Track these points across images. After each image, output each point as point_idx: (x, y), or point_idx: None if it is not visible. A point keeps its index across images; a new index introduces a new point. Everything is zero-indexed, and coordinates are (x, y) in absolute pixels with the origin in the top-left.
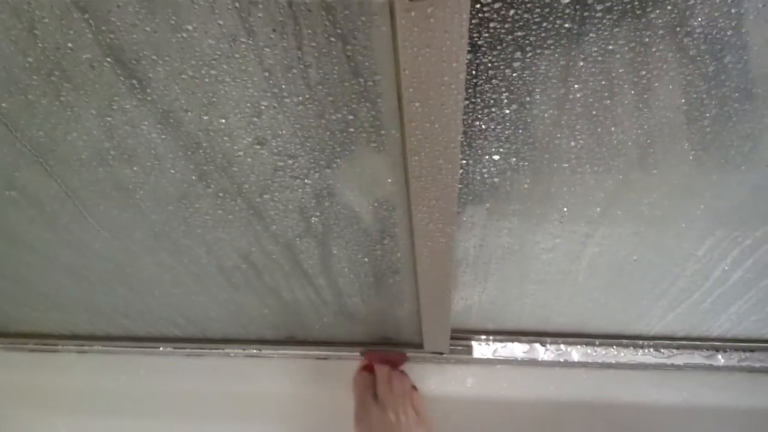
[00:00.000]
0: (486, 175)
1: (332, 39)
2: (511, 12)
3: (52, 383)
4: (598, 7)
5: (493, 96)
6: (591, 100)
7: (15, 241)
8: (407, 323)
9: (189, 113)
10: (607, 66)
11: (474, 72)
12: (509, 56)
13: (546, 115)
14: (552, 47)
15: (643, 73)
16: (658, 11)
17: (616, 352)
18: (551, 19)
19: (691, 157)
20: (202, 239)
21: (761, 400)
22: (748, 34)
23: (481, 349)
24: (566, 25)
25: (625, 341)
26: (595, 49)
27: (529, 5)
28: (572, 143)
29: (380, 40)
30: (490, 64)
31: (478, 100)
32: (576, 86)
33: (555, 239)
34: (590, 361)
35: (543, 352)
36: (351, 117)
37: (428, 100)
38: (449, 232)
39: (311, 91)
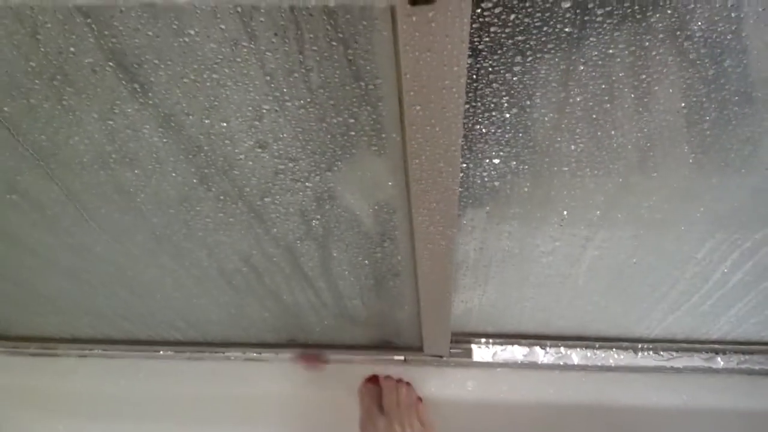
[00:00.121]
0: (486, 179)
1: (334, 43)
2: (512, 16)
3: (52, 387)
4: (599, 12)
5: (494, 100)
6: (591, 103)
7: (16, 245)
8: (407, 326)
9: (190, 117)
10: (608, 70)
11: (474, 76)
12: (510, 60)
13: (546, 118)
14: (552, 51)
15: (643, 76)
16: (658, 15)
17: (615, 355)
18: (552, 23)
19: (690, 161)
20: (203, 242)
21: (760, 402)
22: (748, 37)
23: (481, 352)
24: (567, 30)
25: (624, 344)
26: (596, 53)
27: (529, 9)
28: (572, 147)
29: (381, 45)
30: (490, 68)
31: (479, 103)
32: (576, 90)
33: (555, 242)
34: (590, 364)
35: (543, 355)
36: (352, 120)
37: (429, 103)
38: (450, 235)
39: (312, 95)
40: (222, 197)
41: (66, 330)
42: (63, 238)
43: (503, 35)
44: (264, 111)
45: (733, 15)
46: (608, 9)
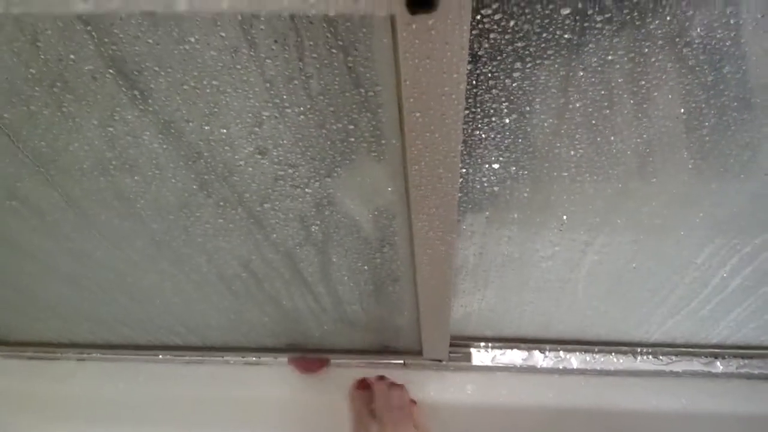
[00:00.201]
0: (486, 184)
1: (334, 50)
2: (512, 23)
3: (51, 391)
4: (598, 18)
5: (493, 106)
6: (590, 109)
7: (16, 251)
8: (407, 330)
9: (190, 123)
10: (607, 76)
11: (474, 82)
12: (509, 66)
13: (546, 124)
14: (552, 57)
15: (643, 83)
16: (657, 22)
17: (615, 359)
18: (551, 29)
19: (690, 166)
20: (202, 248)
21: (759, 406)
22: (747, 44)
23: (481, 356)
24: (566, 36)
25: (624, 348)
26: (595, 59)
27: (529, 16)
28: (572, 152)
29: (381, 52)
30: (490, 75)
31: (478, 109)
32: (576, 96)
33: (554, 247)
34: (589, 368)
35: (542, 359)
36: (352, 127)
37: (429, 110)
38: (449, 240)
39: (312, 102)
40: (222, 203)
41: (65, 335)
42: (63, 244)
43: (503, 41)
44: (264, 117)
45: (732, 22)
46: (607, 15)
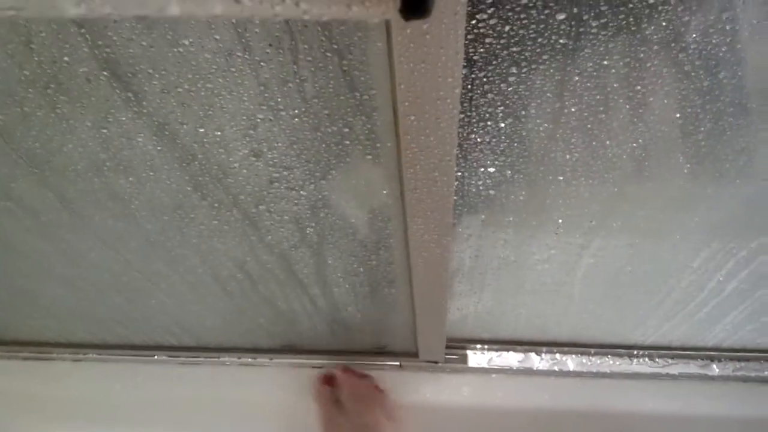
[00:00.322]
0: (481, 187)
1: (328, 54)
2: (507, 28)
3: (47, 391)
4: (593, 23)
5: (489, 110)
6: (586, 114)
7: (10, 251)
8: (402, 332)
9: (185, 126)
10: (602, 81)
11: (470, 86)
12: (505, 71)
13: (541, 128)
14: (547, 62)
15: (638, 87)
16: (653, 27)
17: (611, 362)
18: (546, 34)
19: (685, 171)
20: (197, 249)
21: (756, 409)
22: (743, 50)
23: (477, 358)
24: (561, 41)
25: (620, 351)
26: (590, 64)
27: (524, 21)
28: (567, 156)
29: (376, 56)
30: (485, 79)
31: (474, 113)
32: (571, 100)
33: (550, 250)
34: (585, 370)
35: (538, 361)
36: (347, 130)
37: (424, 114)
38: (444, 243)
39: (307, 105)
40: (216, 205)
41: (60, 335)
42: (57, 244)
43: (498, 46)
44: (258, 120)
45: (728, 27)
46: (603, 21)
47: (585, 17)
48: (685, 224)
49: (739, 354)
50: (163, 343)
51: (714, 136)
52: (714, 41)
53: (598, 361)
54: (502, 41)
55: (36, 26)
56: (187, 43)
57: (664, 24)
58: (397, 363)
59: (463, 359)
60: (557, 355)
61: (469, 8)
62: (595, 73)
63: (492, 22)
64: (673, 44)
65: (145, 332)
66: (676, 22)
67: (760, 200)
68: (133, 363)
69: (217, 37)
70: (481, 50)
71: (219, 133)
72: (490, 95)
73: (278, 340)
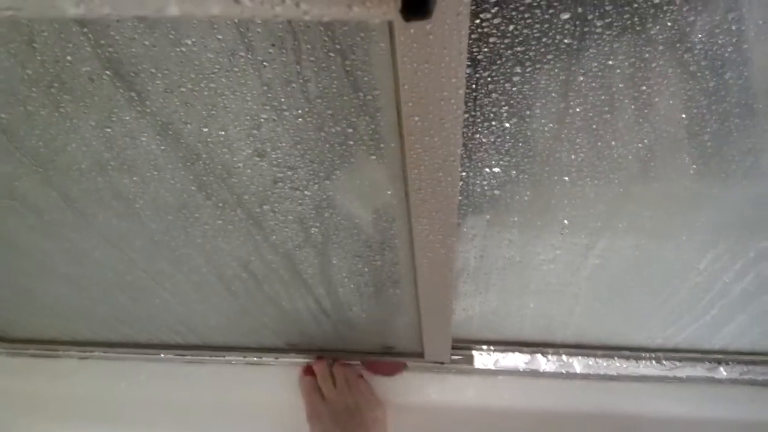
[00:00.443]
0: (486, 187)
1: (331, 54)
2: (511, 27)
3: (52, 389)
4: (598, 23)
5: (493, 110)
6: (591, 114)
7: (15, 249)
8: (408, 332)
9: (188, 125)
10: (607, 81)
11: (474, 86)
12: (509, 71)
13: (546, 128)
14: (552, 62)
15: (644, 88)
16: (658, 27)
17: (618, 364)
18: (551, 34)
19: (691, 171)
20: (201, 248)
21: (763, 413)
22: (749, 50)
23: (482, 359)
24: (566, 41)
25: (627, 353)
26: (595, 64)
27: (528, 20)
28: (572, 156)
29: (379, 56)
30: (489, 79)
31: (478, 113)
32: (576, 101)
33: (556, 251)
34: (592, 372)
35: (544, 363)
36: (350, 130)
37: (427, 114)
38: (449, 244)
39: (310, 105)
40: (221, 204)
41: (66, 333)
42: (61, 243)
43: (502, 46)
44: (262, 120)
45: (733, 28)
46: (608, 20)
47: (590, 17)
48: (692, 225)
49: (746, 357)
50: (168, 342)
51: (720, 137)
52: (720, 41)
53: (605, 364)
54: (506, 41)
55: (38, 26)
56: (189, 42)
57: (669, 24)
58: (403, 364)
59: (469, 360)
60: (564, 357)
61: (473, 7)
62: (600, 73)
63: (496, 21)
64: (678, 44)
65: (149, 331)
66: (682, 22)
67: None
68: (139, 361)
69: (220, 36)
70: (486, 50)
71: (223, 132)
72: (494, 95)
73: (283, 339)
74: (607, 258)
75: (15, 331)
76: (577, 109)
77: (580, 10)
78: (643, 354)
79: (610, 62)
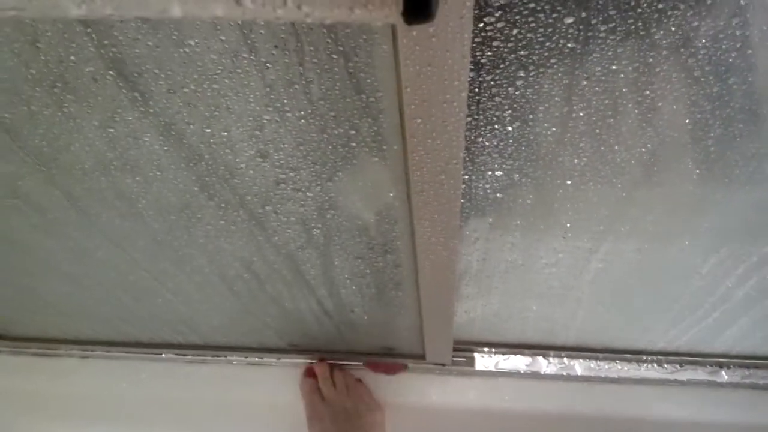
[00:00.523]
0: (489, 190)
1: (334, 56)
2: (515, 31)
3: (53, 388)
4: (602, 28)
5: (496, 113)
6: (594, 118)
7: (18, 248)
8: (409, 334)
9: (191, 126)
10: (611, 85)
11: (477, 89)
12: (512, 75)
13: (549, 132)
14: (555, 66)
15: (647, 92)
16: (662, 32)
17: (619, 367)
18: (554, 38)
19: (695, 176)
20: (204, 249)
21: (764, 416)
22: (753, 55)
23: (484, 361)
24: (569, 45)
25: (628, 356)
26: (599, 68)
27: (532, 25)
28: (575, 160)
29: (382, 58)
30: (493, 82)
31: (481, 116)
32: (579, 105)
33: (558, 254)
34: (593, 375)
35: (546, 365)
36: (353, 132)
37: (430, 117)
38: (451, 246)
39: (313, 106)
40: (223, 205)
41: (67, 332)
42: (64, 242)
43: (506, 50)
44: (264, 121)
45: (737, 33)
46: (611, 25)
47: (593, 21)
48: (694, 230)
49: (748, 361)
50: (170, 342)
51: (724, 142)
52: (724, 47)
53: (606, 366)
54: (509, 44)
55: (42, 25)
56: (192, 43)
57: (673, 29)
58: (404, 365)
59: (470, 362)
60: (565, 360)
61: (477, 11)
62: (603, 78)
63: (500, 25)
64: (682, 49)
65: (151, 330)
66: (686, 27)
67: None
68: (140, 360)
69: (223, 38)
70: (489, 53)
71: (225, 133)
72: (497, 98)
73: (285, 339)
74: (610, 262)
75: (17, 329)
76: (581, 114)
77: (583, 14)
78: (644, 357)
79: (614, 67)
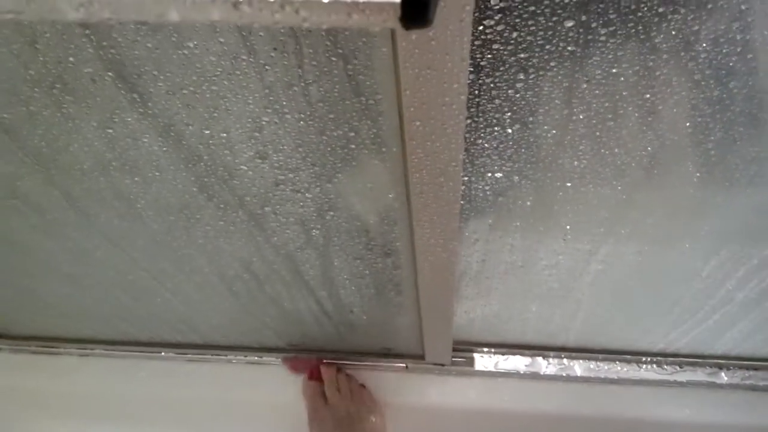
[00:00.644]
0: (488, 192)
1: (333, 58)
2: (515, 34)
3: (53, 386)
4: (602, 31)
5: (496, 116)
6: (594, 121)
7: (17, 248)
8: (409, 334)
9: (190, 127)
10: (611, 89)
11: (477, 92)
12: (512, 77)
13: (549, 135)
14: (555, 69)
15: (648, 96)
16: (662, 36)
17: (619, 368)
18: (555, 41)
19: (695, 179)
20: (203, 249)
21: (764, 418)
22: (754, 59)
23: (483, 361)
24: (570, 48)
25: (628, 357)
26: (599, 71)
27: (532, 28)
28: (575, 163)
29: (381, 61)
30: (492, 85)
31: (481, 119)
32: (579, 107)
33: (558, 256)
34: (593, 376)
35: (545, 366)
36: (352, 134)
37: (429, 119)
38: (451, 248)
39: (312, 108)
40: (222, 206)
41: (67, 331)
42: (63, 242)
43: (506, 52)
44: (264, 123)
45: (738, 37)
46: (612, 29)
47: (593, 25)
48: (695, 232)
49: (747, 363)
50: (169, 340)
51: (724, 145)
52: (724, 50)
53: (606, 367)
54: (509, 47)
55: (41, 27)
56: (191, 45)
57: (673, 33)
58: (404, 365)
59: (470, 362)
60: (564, 360)
61: (477, 14)
62: (603, 81)
63: (499, 28)
64: (683, 53)
65: (151, 329)
66: (686, 31)
67: None
68: (140, 359)
69: (222, 40)
70: (489, 56)
71: (224, 134)
72: (497, 101)
73: (285, 339)
74: (610, 264)
75: (17, 328)
76: (581, 116)
77: (584, 18)
78: (644, 358)
79: (614, 70)
